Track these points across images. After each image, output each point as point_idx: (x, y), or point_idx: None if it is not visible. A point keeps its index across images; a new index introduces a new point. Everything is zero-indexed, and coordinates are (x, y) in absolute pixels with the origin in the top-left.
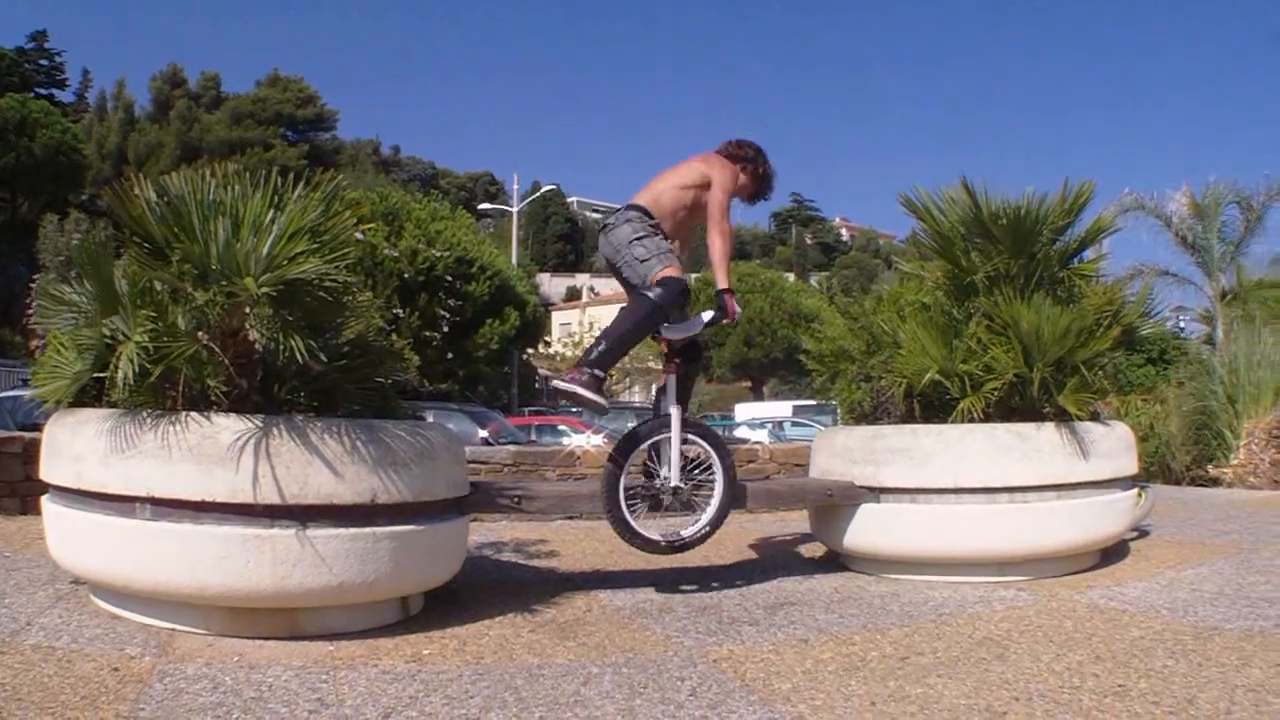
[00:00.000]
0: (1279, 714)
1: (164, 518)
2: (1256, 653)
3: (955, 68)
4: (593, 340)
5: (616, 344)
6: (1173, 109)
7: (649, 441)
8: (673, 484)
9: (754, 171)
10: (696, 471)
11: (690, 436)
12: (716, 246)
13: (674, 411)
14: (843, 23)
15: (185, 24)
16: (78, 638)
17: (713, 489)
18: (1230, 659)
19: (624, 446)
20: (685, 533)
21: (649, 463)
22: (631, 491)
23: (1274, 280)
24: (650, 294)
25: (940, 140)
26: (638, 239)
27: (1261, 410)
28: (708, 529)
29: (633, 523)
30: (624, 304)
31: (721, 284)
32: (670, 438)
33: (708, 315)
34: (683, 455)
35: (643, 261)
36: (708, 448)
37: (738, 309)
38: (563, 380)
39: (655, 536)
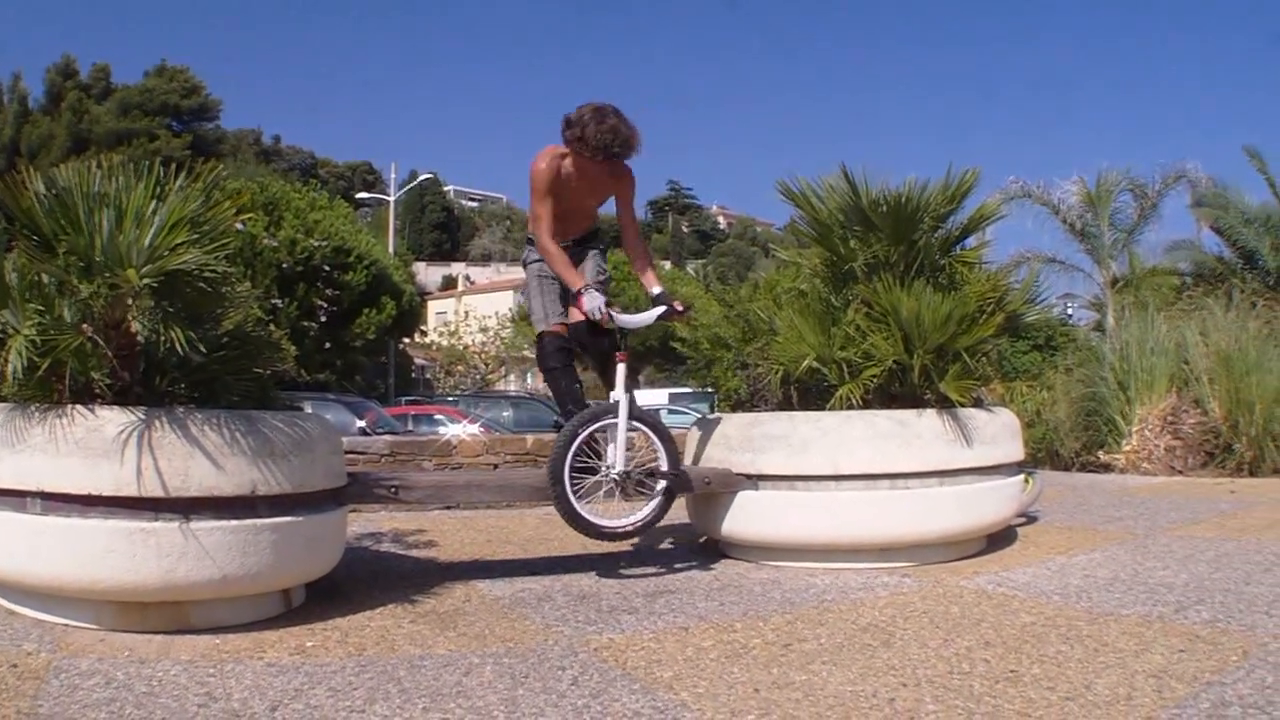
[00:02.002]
0: (1183, 700)
1: (53, 512)
2: (1157, 639)
3: (834, 54)
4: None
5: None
6: (1073, 97)
7: (596, 425)
8: (621, 470)
9: (581, 141)
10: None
11: (635, 424)
12: (547, 260)
13: (623, 398)
14: (714, 6)
15: (83, 9)
16: None
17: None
18: (1129, 645)
19: (571, 432)
20: (631, 519)
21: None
22: (575, 475)
23: (1168, 268)
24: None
25: (820, 128)
26: (535, 298)
27: (1155, 397)
28: (661, 510)
29: (579, 508)
30: (500, 293)
31: (572, 287)
32: (617, 424)
33: (647, 315)
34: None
35: (534, 323)
36: (650, 433)
37: (585, 306)
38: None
39: (602, 522)
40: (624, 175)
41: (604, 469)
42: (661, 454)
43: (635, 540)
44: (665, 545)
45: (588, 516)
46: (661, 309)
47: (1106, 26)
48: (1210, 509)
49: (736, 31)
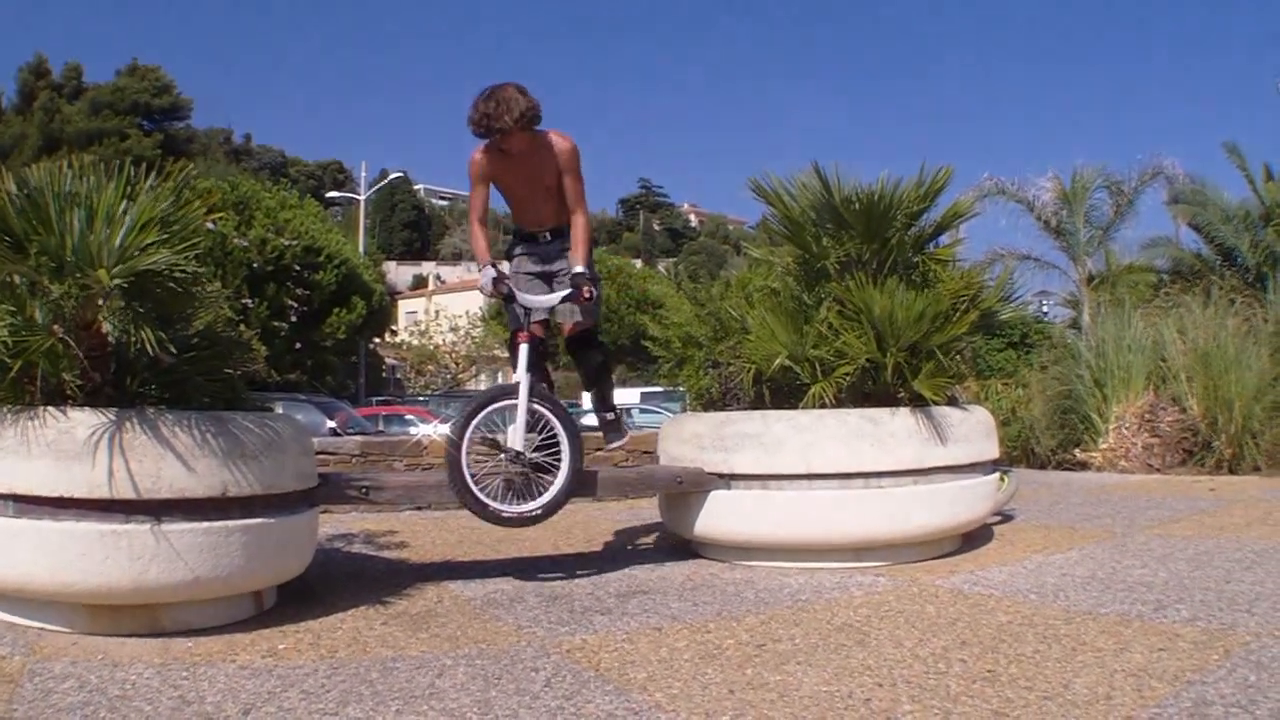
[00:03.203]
0: (1164, 699)
1: (26, 515)
2: (1135, 637)
3: (811, 50)
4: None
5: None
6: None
7: (493, 407)
8: (515, 450)
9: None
10: (541, 450)
11: (536, 407)
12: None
13: (523, 379)
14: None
15: (56, 7)
16: None
17: (559, 464)
18: (1107, 644)
19: (468, 411)
20: (532, 504)
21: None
22: (480, 466)
23: (1145, 265)
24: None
25: (793, 125)
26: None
27: (1132, 395)
28: (560, 497)
29: (476, 490)
30: (471, 292)
31: (481, 261)
32: (516, 404)
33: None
34: (529, 427)
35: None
36: (553, 419)
37: (481, 282)
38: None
39: (501, 506)
40: (546, 146)
41: (501, 454)
42: (564, 443)
43: (608, 540)
44: (637, 546)
45: (488, 502)
46: (567, 291)
47: (1084, 22)
48: (1189, 507)
49: (706, 26)
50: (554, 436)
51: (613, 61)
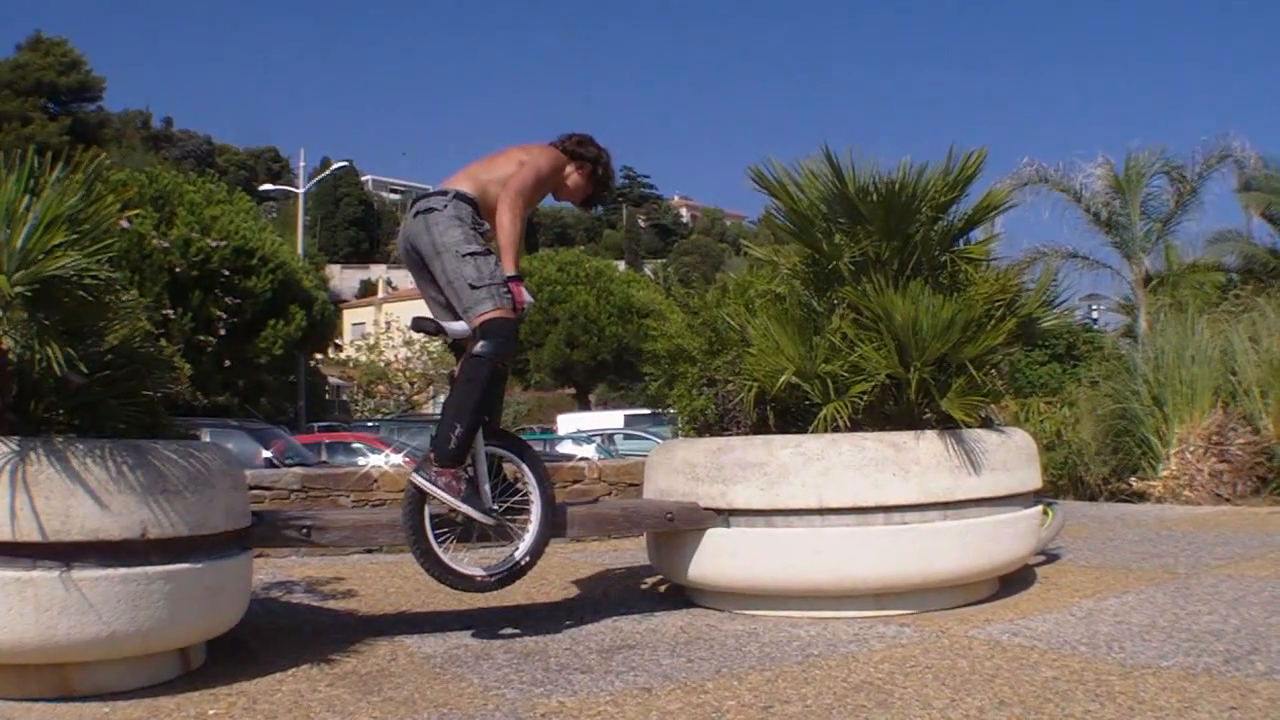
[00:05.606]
0: None
1: None
2: (1202, 694)
3: (816, 27)
4: (440, 421)
5: (470, 421)
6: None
7: None
8: (485, 505)
9: (591, 172)
10: (509, 494)
11: (499, 451)
12: (505, 226)
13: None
14: None
15: None
16: None
17: (529, 512)
18: (1170, 702)
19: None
20: (504, 564)
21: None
22: (439, 519)
23: (1211, 262)
24: (481, 349)
25: (799, 110)
26: (471, 255)
27: (1197, 414)
28: (528, 558)
29: (442, 556)
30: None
31: (509, 270)
32: (476, 452)
33: None
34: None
35: (473, 289)
36: (520, 463)
37: (527, 297)
38: (429, 484)
39: (471, 571)
40: None
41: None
42: (533, 486)
43: (588, 586)
44: (622, 593)
45: (457, 567)
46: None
47: None
48: (1264, 543)
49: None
50: (522, 487)
51: (587, 26)
